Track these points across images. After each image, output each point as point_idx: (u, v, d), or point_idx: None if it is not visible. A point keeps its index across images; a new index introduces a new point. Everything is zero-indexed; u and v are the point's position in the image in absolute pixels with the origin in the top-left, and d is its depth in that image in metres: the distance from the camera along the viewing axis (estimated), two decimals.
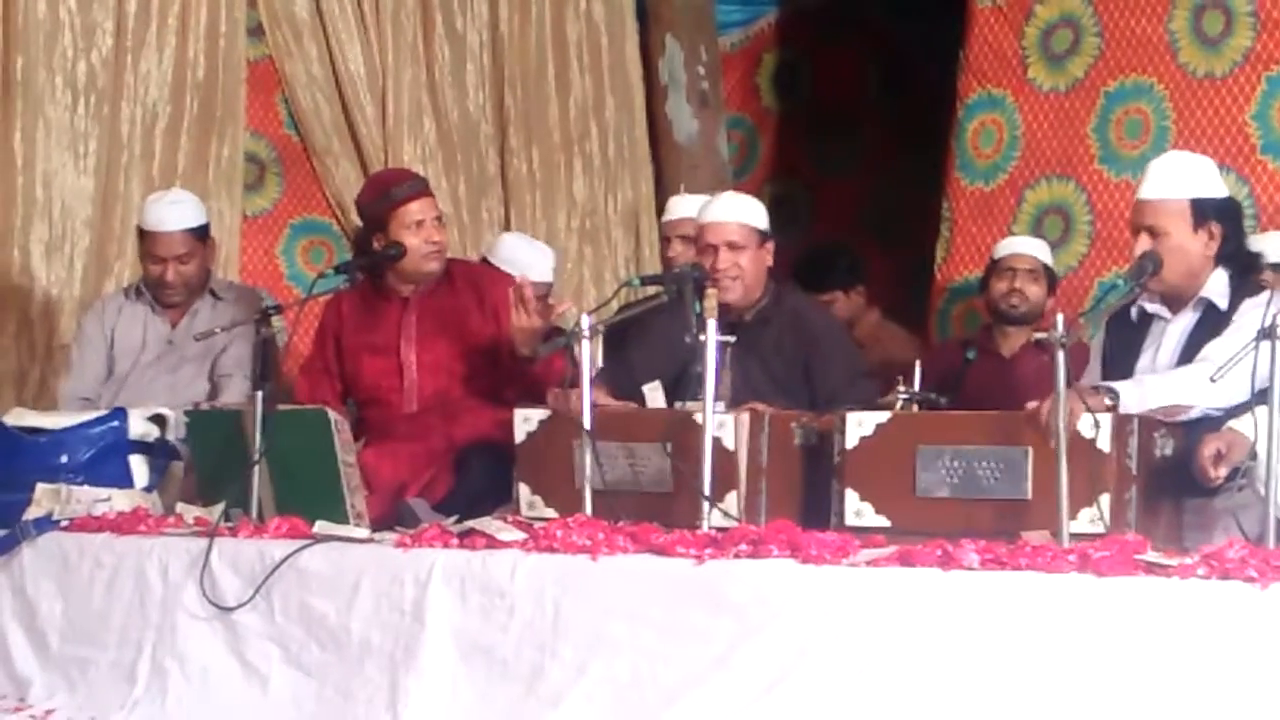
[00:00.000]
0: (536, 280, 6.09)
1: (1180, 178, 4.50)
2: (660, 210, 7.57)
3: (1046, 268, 5.97)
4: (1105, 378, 4.52)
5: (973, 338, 6.14)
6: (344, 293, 5.51)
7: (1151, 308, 4.56)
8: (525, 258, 6.29)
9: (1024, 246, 6.02)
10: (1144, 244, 4.47)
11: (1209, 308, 4.47)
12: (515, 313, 5.03)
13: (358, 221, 5.93)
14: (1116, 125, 6.24)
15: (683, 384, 4.74)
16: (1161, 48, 6.16)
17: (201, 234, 5.82)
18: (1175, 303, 4.53)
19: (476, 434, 5.12)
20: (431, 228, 5.33)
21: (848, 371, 5.08)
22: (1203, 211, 4.46)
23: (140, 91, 6.62)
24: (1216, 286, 4.47)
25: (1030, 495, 4.16)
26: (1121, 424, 4.13)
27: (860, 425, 4.38)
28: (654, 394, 4.87)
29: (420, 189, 5.40)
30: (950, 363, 5.87)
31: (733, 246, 5.04)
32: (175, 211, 5.81)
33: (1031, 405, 4.14)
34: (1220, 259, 4.48)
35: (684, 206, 5.82)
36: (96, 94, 6.51)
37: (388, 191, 5.38)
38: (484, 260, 6.38)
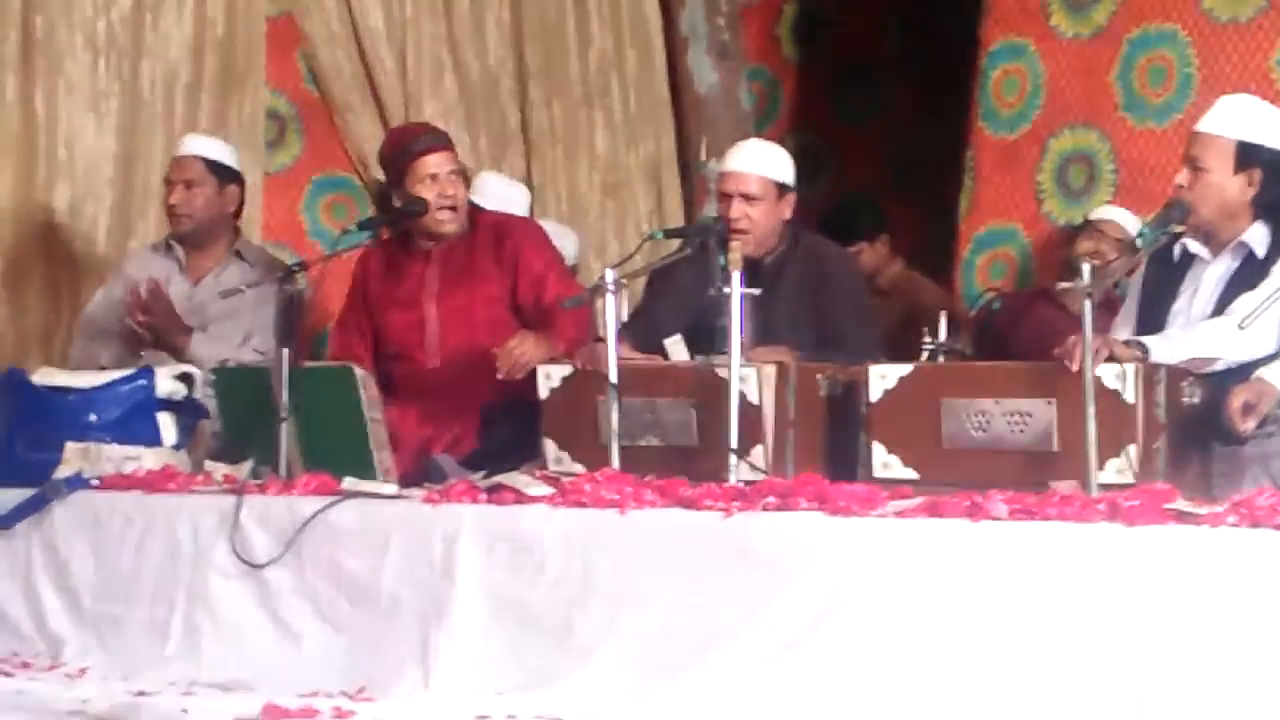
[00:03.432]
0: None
1: (1237, 118, 4.50)
2: (683, 163, 7.60)
3: (1132, 243, 5.95)
4: (1141, 319, 4.53)
5: (1043, 289, 6.12)
6: (373, 248, 5.54)
7: (1193, 247, 4.55)
8: (503, 194, 6.28)
9: (1120, 217, 5.97)
10: (1184, 175, 4.47)
11: (1249, 255, 4.46)
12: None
13: (380, 176, 5.93)
14: (1140, 72, 6.20)
15: (703, 336, 4.74)
16: None
17: (218, 171, 5.83)
18: (1214, 243, 4.52)
19: (501, 390, 5.12)
20: (447, 181, 5.32)
21: (855, 318, 5.09)
22: (1249, 156, 4.45)
23: (160, 49, 6.61)
24: (1257, 234, 4.46)
25: (1057, 446, 4.16)
26: (1149, 374, 4.13)
27: (884, 378, 4.38)
28: (676, 347, 4.87)
29: (437, 143, 5.40)
30: (1021, 312, 5.84)
31: (747, 198, 5.06)
32: (199, 140, 5.98)
33: (1059, 350, 4.13)
34: (1260, 209, 4.46)
35: None
36: (117, 52, 6.50)
37: (405, 145, 5.39)
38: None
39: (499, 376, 5.03)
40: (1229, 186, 4.45)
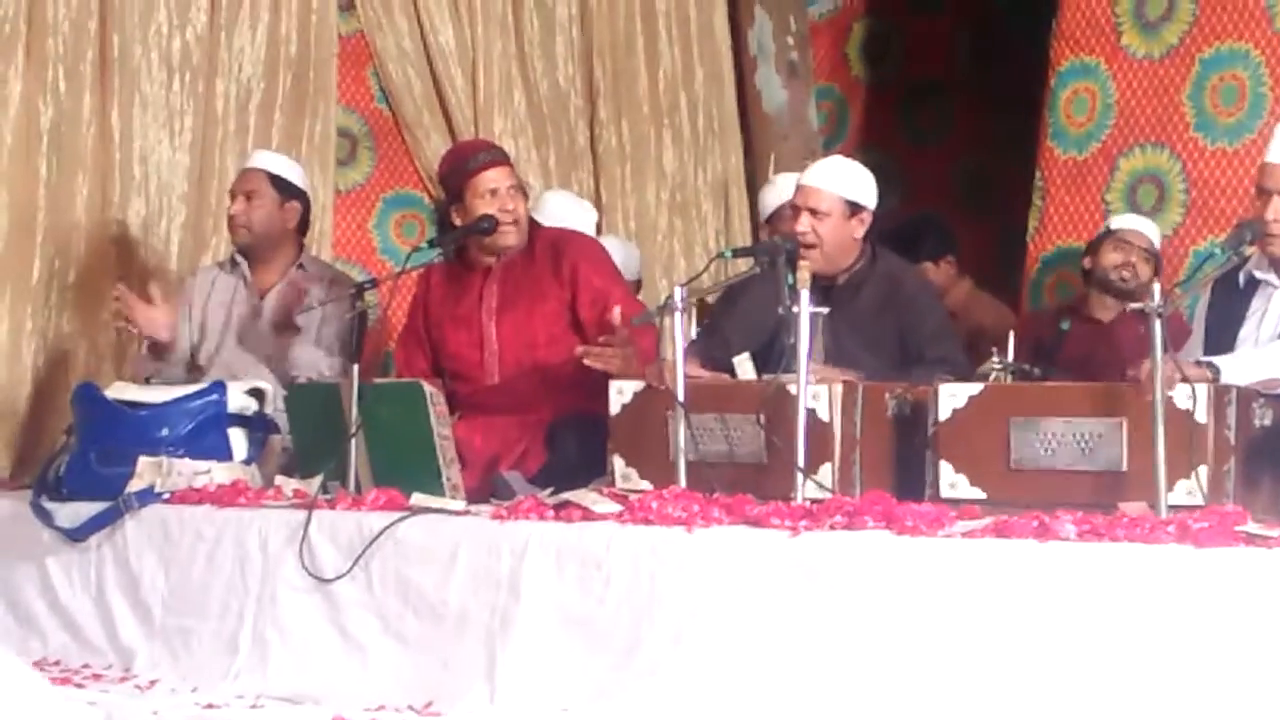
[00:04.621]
0: None
1: None
2: (751, 182, 7.60)
3: (1157, 253, 5.92)
4: (1208, 343, 4.50)
5: (1068, 304, 6.11)
6: (434, 266, 5.54)
7: (1260, 274, 4.52)
8: (570, 216, 6.28)
9: (1143, 226, 5.94)
10: (1275, 209, 4.42)
11: None
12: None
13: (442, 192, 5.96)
14: (1212, 92, 6.17)
15: (774, 354, 4.74)
16: (1258, 13, 6.07)
17: (279, 185, 5.87)
18: None
19: (567, 407, 5.13)
20: (506, 196, 5.32)
21: (935, 329, 5.08)
22: None
23: (234, 68, 6.68)
24: None
25: (1126, 467, 4.14)
26: (1220, 395, 4.10)
27: (953, 396, 4.37)
28: (744, 366, 4.87)
29: (496, 158, 5.39)
30: (1045, 331, 5.83)
31: (814, 213, 5.05)
32: (264, 155, 6.06)
33: (1132, 372, 4.12)
34: None
35: None
36: (191, 70, 6.56)
37: (464, 161, 5.39)
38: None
39: (577, 350, 5.00)
40: None
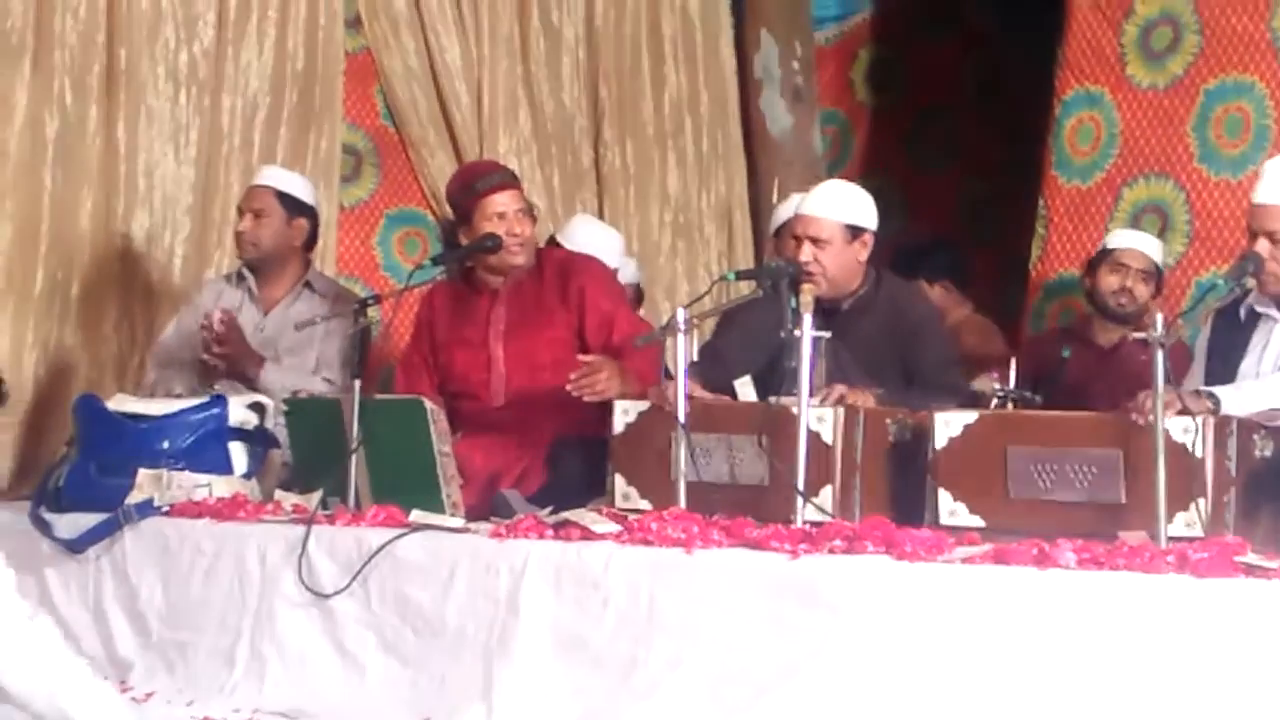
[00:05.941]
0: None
1: None
2: (754, 206, 7.62)
3: (1157, 268, 5.90)
4: (1209, 375, 4.50)
5: (1069, 327, 6.11)
6: (438, 286, 5.55)
7: (1261, 307, 4.53)
8: (596, 241, 6.28)
9: (1141, 244, 5.90)
10: (1265, 248, 4.42)
11: None
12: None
13: (450, 213, 5.97)
14: (1216, 124, 6.18)
15: (775, 377, 4.74)
16: (1263, 45, 6.10)
17: (287, 202, 5.87)
18: None
19: (569, 427, 5.13)
20: (514, 219, 5.32)
21: (939, 358, 5.07)
22: None
23: (241, 83, 6.69)
24: None
25: (1124, 499, 4.13)
26: (1221, 426, 4.10)
27: (948, 426, 4.36)
28: (745, 388, 4.87)
29: (505, 181, 5.40)
30: (1047, 355, 5.83)
31: (815, 241, 5.04)
32: (274, 171, 6.06)
33: (1130, 405, 4.12)
34: None
35: None
36: (198, 85, 6.58)
37: (473, 183, 5.40)
38: (551, 240, 6.35)
39: (567, 387, 5.01)
40: None
